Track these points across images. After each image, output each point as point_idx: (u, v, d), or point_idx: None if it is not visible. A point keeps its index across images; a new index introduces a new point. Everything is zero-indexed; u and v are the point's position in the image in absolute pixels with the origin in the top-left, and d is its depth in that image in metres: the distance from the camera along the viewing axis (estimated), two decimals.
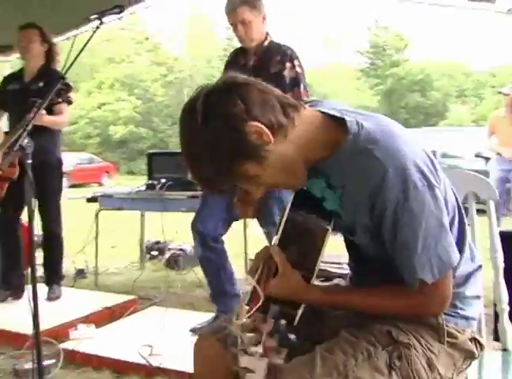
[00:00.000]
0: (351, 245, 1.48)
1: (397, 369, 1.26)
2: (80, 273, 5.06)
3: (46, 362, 2.63)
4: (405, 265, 1.27)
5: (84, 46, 2.59)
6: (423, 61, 34.13)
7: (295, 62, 3.10)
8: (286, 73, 3.06)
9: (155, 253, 5.95)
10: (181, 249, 5.53)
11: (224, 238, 3.32)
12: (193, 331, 3.13)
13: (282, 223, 1.37)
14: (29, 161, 2.25)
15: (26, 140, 2.22)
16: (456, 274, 1.34)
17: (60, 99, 3.14)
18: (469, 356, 1.40)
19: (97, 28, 2.61)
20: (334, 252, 2.10)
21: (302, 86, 3.07)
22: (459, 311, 1.39)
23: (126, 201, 4.72)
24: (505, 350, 1.72)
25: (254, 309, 1.30)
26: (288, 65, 3.07)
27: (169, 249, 5.72)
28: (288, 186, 1.41)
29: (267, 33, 3.22)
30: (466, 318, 1.40)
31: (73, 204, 6.07)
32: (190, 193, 4.34)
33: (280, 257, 1.34)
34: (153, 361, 2.68)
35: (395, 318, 1.35)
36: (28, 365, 2.50)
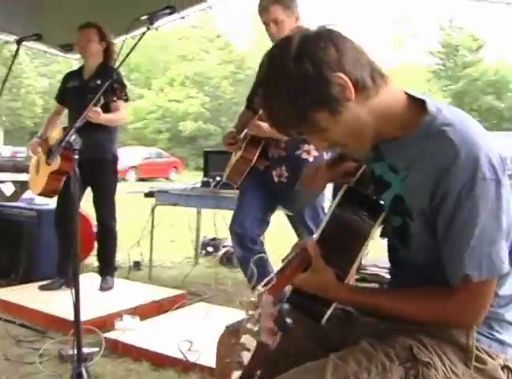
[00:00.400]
0: (396, 245, 1.40)
1: None
2: (136, 265, 5.20)
3: (89, 350, 2.75)
4: (454, 257, 1.20)
5: (135, 45, 2.66)
6: (499, 63, 32.84)
7: None
8: None
9: (210, 249, 6.04)
10: (233, 249, 5.58)
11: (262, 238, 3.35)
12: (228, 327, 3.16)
13: (326, 219, 1.36)
14: (76, 157, 2.34)
15: (73, 137, 2.31)
16: (500, 293, 1.27)
17: (115, 98, 3.23)
18: None
19: (148, 28, 2.68)
20: None
21: None
22: (495, 333, 1.29)
23: (181, 197, 4.81)
24: None
25: (264, 289, 1.25)
26: None
27: (224, 247, 5.79)
28: (350, 150, 1.35)
29: None
30: (502, 343, 1.30)
31: (133, 198, 6.23)
32: None
33: (314, 251, 1.30)
34: (190, 356, 2.72)
35: (421, 332, 1.27)
36: (72, 351, 2.60)
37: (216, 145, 33.67)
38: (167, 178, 22.92)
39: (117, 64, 3.48)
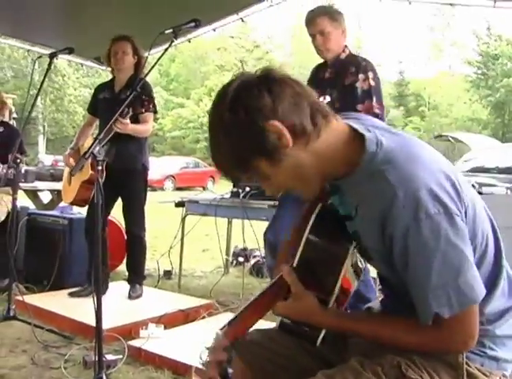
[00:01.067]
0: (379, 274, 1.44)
1: None
2: (167, 274, 5.26)
3: (112, 357, 2.80)
4: (419, 297, 1.18)
5: (159, 58, 2.73)
6: None
7: (369, 74, 3.06)
8: (358, 84, 3.04)
9: (241, 259, 6.06)
10: (264, 258, 5.58)
11: None
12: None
13: (301, 245, 1.34)
14: (100, 167, 2.40)
15: (97, 148, 2.37)
16: (487, 310, 1.25)
17: (143, 109, 3.29)
18: None
19: (172, 41, 2.73)
20: None
21: (374, 99, 3.02)
22: (487, 351, 1.27)
23: (210, 207, 4.84)
24: None
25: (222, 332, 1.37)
26: (360, 76, 3.05)
27: (254, 257, 5.80)
28: (298, 193, 1.35)
29: (345, 46, 3.22)
30: (497, 360, 1.28)
31: (165, 207, 6.32)
32: (272, 203, 4.39)
33: (290, 278, 1.30)
34: None
35: (412, 351, 1.26)
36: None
37: None
38: (203, 188, 23.06)
39: (143, 75, 3.54)
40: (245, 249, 6.06)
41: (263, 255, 5.62)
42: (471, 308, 1.17)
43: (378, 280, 1.52)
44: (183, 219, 5.05)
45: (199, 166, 25.70)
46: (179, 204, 5.15)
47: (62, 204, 6.06)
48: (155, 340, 3.11)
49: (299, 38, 40.33)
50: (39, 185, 6.12)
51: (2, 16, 5.42)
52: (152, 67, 2.78)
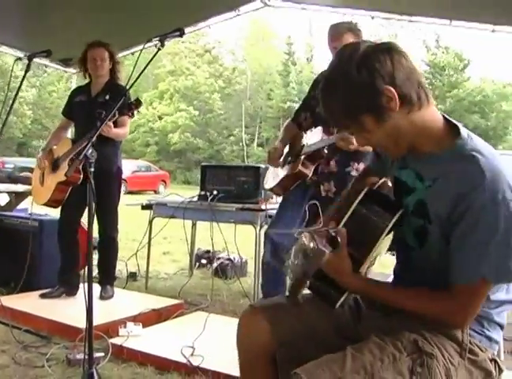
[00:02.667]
0: (409, 246, 1.57)
1: (418, 375, 1.37)
2: (133, 276, 5.31)
3: (96, 355, 2.84)
4: (471, 261, 1.37)
5: (146, 66, 2.81)
6: (483, 82, 33.42)
7: None
8: None
9: (204, 261, 6.16)
10: (229, 259, 5.70)
11: None
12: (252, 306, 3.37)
13: (348, 214, 1.53)
14: (92, 169, 2.48)
15: (90, 150, 2.44)
16: (492, 297, 1.46)
17: (130, 113, 3.37)
18: (487, 375, 1.47)
19: (158, 49, 2.82)
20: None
21: None
22: (485, 331, 1.49)
23: (178, 210, 4.91)
24: None
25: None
26: None
27: (218, 259, 5.91)
28: (387, 151, 1.55)
29: None
30: (490, 339, 1.50)
31: (129, 210, 6.35)
32: (240, 206, 4.52)
33: (343, 240, 1.48)
34: (194, 361, 2.85)
35: (422, 328, 1.45)
36: (80, 356, 2.72)
37: (204, 159, 33.86)
38: (155, 191, 22.96)
39: (126, 81, 3.62)
40: (208, 252, 6.17)
41: (228, 257, 5.76)
42: (491, 284, 1.39)
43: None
44: (151, 222, 5.12)
45: (151, 169, 25.54)
46: (146, 207, 5.21)
47: (20, 205, 6.04)
48: (135, 338, 3.20)
49: (251, 43, 40.73)
50: None
51: None
52: (139, 75, 2.86)
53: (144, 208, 5.25)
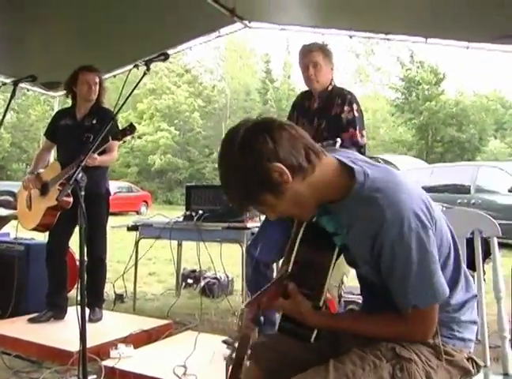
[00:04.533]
0: (359, 276, 1.70)
1: None
2: (120, 298, 5.30)
3: (88, 377, 2.86)
4: (401, 294, 1.47)
5: (133, 90, 2.89)
6: (459, 95, 33.96)
7: (354, 106, 3.37)
8: (344, 115, 3.35)
9: (190, 281, 6.17)
10: (215, 278, 5.72)
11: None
12: (225, 342, 3.42)
13: (293, 255, 1.61)
14: (82, 193, 2.51)
15: (80, 175, 2.48)
16: (452, 301, 1.55)
17: (122, 139, 3.41)
18: (466, 373, 1.56)
19: (144, 74, 2.88)
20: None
21: (357, 127, 3.33)
22: (456, 333, 1.57)
23: (164, 231, 4.93)
24: (506, 374, 1.88)
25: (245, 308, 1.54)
26: (346, 108, 3.36)
27: (204, 278, 5.92)
28: (297, 217, 1.64)
29: (332, 80, 3.50)
30: (463, 340, 1.58)
31: (113, 231, 6.37)
32: (225, 225, 4.57)
33: (293, 291, 1.57)
34: None
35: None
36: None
37: (185, 179, 33.84)
38: (137, 212, 22.84)
39: (110, 104, 3.67)
40: (194, 271, 6.18)
41: (214, 276, 5.78)
42: (436, 304, 1.47)
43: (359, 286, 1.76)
44: (137, 243, 5.13)
45: (132, 190, 25.41)
46: (132, 228, 5.22)
47: (2, 230, 6.01)
48: (127, 359, 3.21)
49: (229, 62, 41.00)
50: None
51: None
52: (126, 99, 2.92)
53: (130, 229, 5.26)
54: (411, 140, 33.27)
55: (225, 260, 4.76)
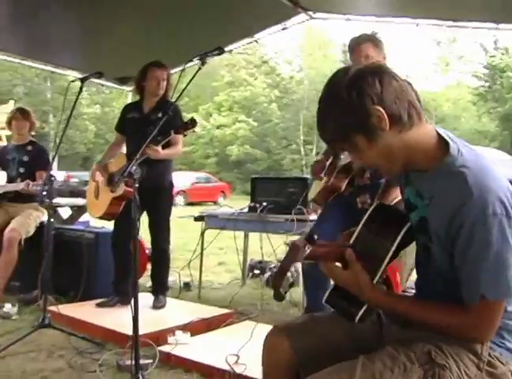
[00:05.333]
0: (422, 261, 1.61)
1: None
2: (186, 286, 5.45)
3: (144, 361, 2.98)
4: (471, 279, 1.39)
5: (188, 84, 2.96)
6: None
7: None
8: None
9: (257, 271, 6.25)
10: None
11: None
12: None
13: (357, 230, 1.60)
14: (136, 185, 2.62)
15: (134, 167, 2.59)
16: (509, 308, 1.44)
17: (184, 132, 3.52)
18: None
19: (199, 68, 2.96)
20: None
21: None
22: (506, 342, 1.47)
23: (229, 222, 5.03)
24: None
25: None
26: None
27: (270, 269, 5.98)
28: (381, 170, 1.59)
29: None
30: (511, 351, 1.47)
31: (183, 222, 6.54)
32: (288, 217, 4.59)
33: (351, 258, 1.52)
34: (237, 369, 2.94)
35: (440, 339, 1.45)
36: (129, 362, 2.85)
37: (263, 170, 34.05)
38: (215, 202, 23.27)
39: (174, 97, 3.77)
40: (260, 262, 6.25)
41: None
42: (505, 300, 1.39)
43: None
44: (203, 233, 5.25)
45: (210, 181, 25.93)
46: (198, 219, 5.35)
47: (81, 219, 6.32)
48: (183, 346, 3.32)
49: (307, 52, 40.75)
50: (60, 201, 6.35)
51: (20, 38, 5.69)
52: (183, 91, 3.02)
53: (196, 219, 5.40)
54: (494, 130, 31.78)
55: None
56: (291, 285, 1.56)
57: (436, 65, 40.19)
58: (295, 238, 4.68)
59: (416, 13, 4.67)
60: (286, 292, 1.56)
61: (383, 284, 1.56)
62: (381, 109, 1.40)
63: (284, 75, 40.47)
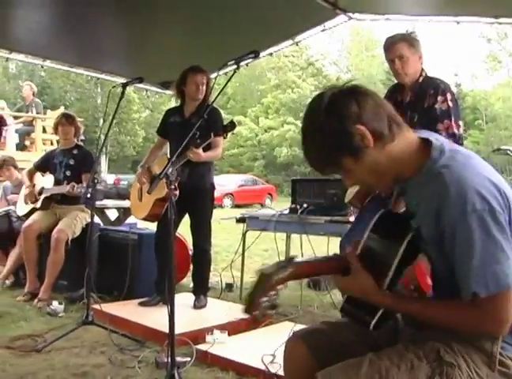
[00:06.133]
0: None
1: None
2: (228, 287, 5.51)
3: (181, 359, 3.05)
4: (462, 278, 1.38)
5: (225, 85, 3.04)
6: None
7: (448, 96, 3.23)
8: (437, 105, 3.22)
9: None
10: None
11: None
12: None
13: (364, 239, 1.61)
14: (172, 187, 2.69)
15: (170, 169, 2.66)
16: None
17: (224, 135, 3.56)
18: None
19: (234, 71, 3.01)
20: None
21: (453, 119, 3.19)
22: None
23: (269, 223, 5.05)
24: None
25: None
26: (439, 98, 3.23)
27: None
28: (371, 187, 1.64)
29: (422, 69, 3.38)
30: None
31: (227, 224, 6.62)
32: (328, 218, 4.58)
33: (353, 258, 1.55)
34: (272, 368, 2.96)
35: (452, 338, 1.44)
36: (166, 359, 2.92)
37: (311, 172, 33.93)
38: (261, 205, 23.32)
39: (211, 100, 3.83)
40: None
41: None
42: (504, 292, 1.34)
43: None
44: (244, 235, 5.30)
45: (257, 183, 26.00)
46: (240, 220, 5.40)
47: (128, 220, 6.47)
48: (220, 345, 3.37)
49: (354, 53, 40.44)
50: (107, 203, 6.52)
51: (70, 47, 5.91)
52: (218, 94, 3.08)
53: (238, 221, 5.45)
54: None
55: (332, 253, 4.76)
56: (274, 307, 1.54)
57: (486, 63, 39.19)
58: (337, 240, 4.68)
59: (456, 11, 4.60)
60: (265, 315, 1.54)
61: (415, 291, 1.52)
62: (362, 127, 1.43)
63: (331, 76, 40.28)
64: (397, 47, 3.27)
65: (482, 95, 35.21)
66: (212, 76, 4.66)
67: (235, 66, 3.04)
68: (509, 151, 14.86)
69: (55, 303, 4.36)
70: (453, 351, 1.43)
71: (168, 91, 7.06)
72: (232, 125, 3.62)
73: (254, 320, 4.00)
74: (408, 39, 3.30)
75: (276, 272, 1.51)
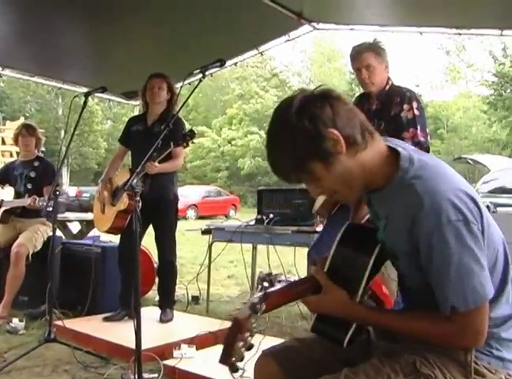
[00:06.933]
0: (399, 276, 1.58)
1: None
2: (195, 299, 5.43)
3: (149, 375, 2.98)
4: (439, 292, 1.35)
5: (190, 95, 2.99)
6: None
7: (414, 104, 3.25)
8: (403, 114, 3.24)
9: (266, 284, 6.18)
10: (288, 282, 5.71)
11: None
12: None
13: (331, 254, 1.56)
14: (138, 198, 2.62)
15: (135, 181, 2.59)
16: (493, 315, 1.39)
17: (184, 144, 3.50)
18: None
19: (200, 80, 2.97)
20: None
21: (418, 127, 3.21)
22: (493, 351, 1.42)
23: (235, 234, 5.00)
24: None
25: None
26: (405, 106, 3.25)
27: (279, 282, 5.92)
28: (341, 196, 1.52)
29: (388, 78, 3.39)
30: (501, 359, 1.43)
31: (191, 235, 6.55)
32: (295, 228, 4.56)
33: (321, 274, 1.50)
34: None
35: (426, 350, 1.42)
36: (133, 377, 2.84)
37: (275, 183, 34.03)
38: (226, 216, 23.24)
39: (176, 109, 3.76)
40: (269, 274, 6.18)
41: (287, 279, 5.77)
42: (482, 306, 1.33)
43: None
44: (210, 246, 5.23)
45: (221, 194, 25.92)
46: (206, 232, 5.33)
47: (91, 233, 6.33)
48: (188, 360, 3.30)
49: (317, 64, 40.90)
50: (69, 215, 6.38)
51: (30, 57, 5.77)
52: (183, 104, 3.03)
53: (203, 233, 5.38)
54: (505, 139, 31.56)
55: (298, 264, 4.75)
56: (250, 347, 1.49)
57: (446, 75, 40.12)
58: (304, 250, 4.66)
59: (419, 22, 4.68)
60: (242, 359, 1.50)
61: (372, 301, 1.51)
62: (335, 132, 1.36)
63: (294, 88, 40.59)
64: (364, 57, 3.28)
65: (443, 106, 35.93)
66: (178, 85, 4.60)
67: (200, 75, 2.99)
68: (470, 160, 15.30)
69: (15, 320, 4.20)
70: (429, 363, 1.41)
71: (131, 102, 6.98)
72: (192, 133, 3.57)
73: (223, 333, 3.96)
74: (375, 49, 3.31)
75: (250, 316, 1.47)
